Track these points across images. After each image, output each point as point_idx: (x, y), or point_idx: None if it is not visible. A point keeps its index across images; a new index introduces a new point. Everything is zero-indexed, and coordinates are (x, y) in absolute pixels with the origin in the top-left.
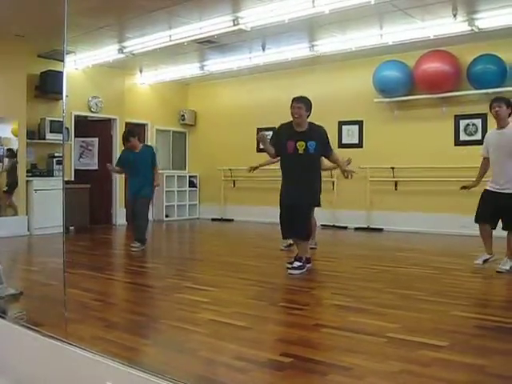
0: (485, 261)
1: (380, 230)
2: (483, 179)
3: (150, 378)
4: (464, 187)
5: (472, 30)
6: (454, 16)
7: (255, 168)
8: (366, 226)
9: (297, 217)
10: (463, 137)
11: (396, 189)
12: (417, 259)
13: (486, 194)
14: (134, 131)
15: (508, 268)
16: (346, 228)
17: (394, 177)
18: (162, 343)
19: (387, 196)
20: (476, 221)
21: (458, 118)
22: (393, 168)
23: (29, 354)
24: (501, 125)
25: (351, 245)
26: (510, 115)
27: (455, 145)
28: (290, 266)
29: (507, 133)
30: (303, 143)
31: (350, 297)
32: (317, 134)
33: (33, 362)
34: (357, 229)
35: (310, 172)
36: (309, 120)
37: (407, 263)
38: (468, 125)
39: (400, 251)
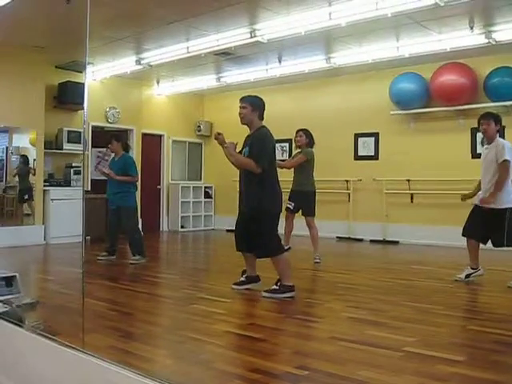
0: (467, 275)
1: (396, 242)
2: None
3: None
4: (466, 196)
5: (489, 42)
6: (471, 28)
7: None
8: (381, 238)
9: (251, 228)
10: (480, 149)
11: (412, 201)
12: (433, 272)
13: (475, 209)
14: (120, 136)
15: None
16: (361, 240)
17: (409, 189)
18: (177, 354)
19: (403, 208)
20: (463, 234)
21: (474, 131)
22: (409, 180)
23: (45, 363)
24: (488, 142)
25: (367, 257)
26: (498, 131)
27: (472, 157)
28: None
29: (491, 149)
30: (244, 150)
31: (365, 310)
32: (253, 137)
33: (49, 370)
34: (372, 241)
35: (250, 179)
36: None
37: (423, 276)
38: (484, 138)
39: (416, 264)
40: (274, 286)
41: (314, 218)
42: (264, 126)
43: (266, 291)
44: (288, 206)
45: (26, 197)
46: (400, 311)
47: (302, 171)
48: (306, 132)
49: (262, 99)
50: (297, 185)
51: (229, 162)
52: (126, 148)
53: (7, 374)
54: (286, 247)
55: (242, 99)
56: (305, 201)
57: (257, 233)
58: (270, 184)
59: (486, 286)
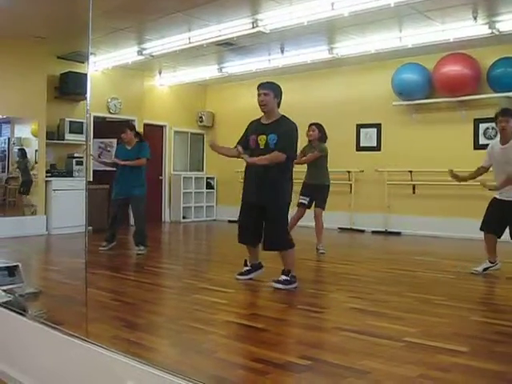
0: (485, 269)
1: (398, 233)
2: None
3: (170, 378)
4: (455, 176)
5: (492, 32)
6: (475, 18)
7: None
8: (383, 229)
9: (265, 219)
10: (483, 140)
11: (414, 192)
12: (435, 263)
13: (494, 203)
14: (133, 125)
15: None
16: (363, 231)
17: (411, 180)
18: (180, 344)
19: (405, 200)
20: (481, 229)
21: (477, 122)
22: (411, 171)
23: (49, 352)
24: (505, 140)
25: (369, 248)
26: None
27: (474, 148)
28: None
29: (509, 149)
30: (264, 137)
31: (368, 300)
32: (282, 127)
33: (53, 359)
34: (374, 232)
35: (271, 169)
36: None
37: (425, 267)
38: (487, 128)
39: (418, 255)
40: (285, 277)
41: (323, 211)
42: (285, 116)
43: (277, 282)
44: (302, 201)
45: (22, 190)
46: (402, 302)
47: (317, 165)
48: (319, 126)
49: (280, 86)
50: (311, 178)
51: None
52: (140, 137)
53: (10, 363)
54: None
55: (263, 86)
56: (319, 194)
57: (271, 224)
58: (290, 175)
59: (489, 278)
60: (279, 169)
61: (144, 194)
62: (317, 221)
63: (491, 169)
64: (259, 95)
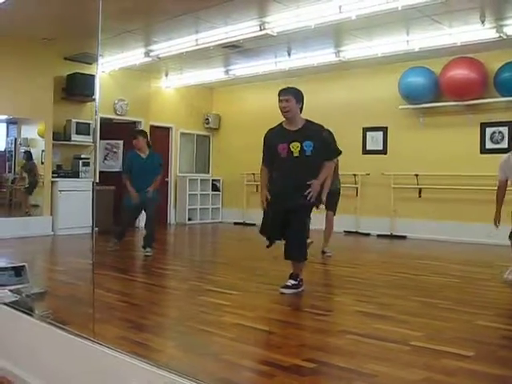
0: None
1: (403, 237)
2: None
3: (176, 379)
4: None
5: (500, 36)
6: (482, 23)
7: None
8: (389, 233)
9: (291, 227)
10: (489, 145)
11: (420, 196)
12: (440, 268)
13: None
14: (145, 132)
15: None
16: (368, 235)
17: (417, 184)
18: (186, 345)
19: (411, 203)
20: (510, 237)
21: (484, 126)
22: (417, 175)
23: (56, 352)
24: None
25: (374, 252)
26: None
27: (481, 153)
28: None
29: None
30: (298, 144)
31: (373, 304)
32: (314, 132)
33: (60, 359)
34: (379, 236)
35: (307, 177)
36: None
37: (431, 271)
38: (494, 132)
39: (423, 259)
40: (293, 281)
41: (334, 214)
42: (311, 121)
43: (285, 288)
44: None
45: (27, 190)
46: (408, 305)
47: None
48: (330, 133)
49: (301, 91)
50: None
51: (237, 155)
52: (149, 145)
53: (17, 362)
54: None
55: (285, 91)
56: (333, 198)
57: (296, 233)
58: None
59: (494, 282)
60: (316, 173)
61: (157, 198)
62: (328, 224)
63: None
64: (281, 101)
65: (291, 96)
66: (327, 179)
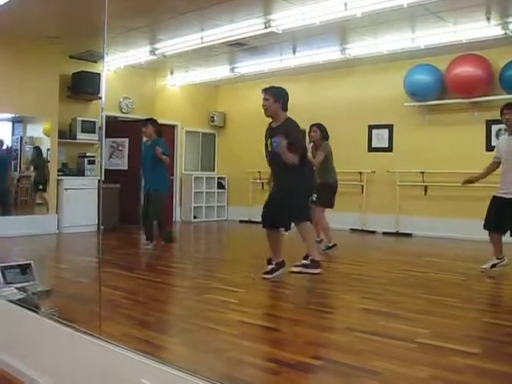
0: (493, 265)
1: (409, 235)
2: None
3: (183, 376)
4: (467, 181)
5: (505, 33)
6: (488, 20)
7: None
8: (394, 230)
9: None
10: (495, 142)
11: (425, 194)
12: (446, 265)
13: (496, 201)
14: (155, 121)
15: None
16: (374, 232)
17: (423, 181)
18: (191, 343)
19: (416, 201)
20: (485, 228)
21: (489, 123)
22: (422, 173)
23: (62, 349)
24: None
25: (380, 249)
26: None
27: (486, 150)
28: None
29: None
30: (270, 140)
31: (379, 301)
32: (284, 129)
33: (66, 356)
34: (385, 233)
35: (281, 169)
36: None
37: (436, 269)
38: (500, 130)
39: (429, 256)
40: (304, 261)
41: (324, 208)
42: (290, 118)
43: (295, 266)
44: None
45: (41, 187)
46: (414, 303)
47: (322, 164)
48: (320, 126)
49: (284, 90)
50: (318, 177)
51: (242, 153)
52: (160, 133)
53: (23, 359)
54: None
55: (265, 91)
56: (322, 192)
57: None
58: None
59: (501, 279)
60: (291, 170)
61: (161, 190)
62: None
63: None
64: (263, 100)
65: (269, 95)
66: (286, 158)
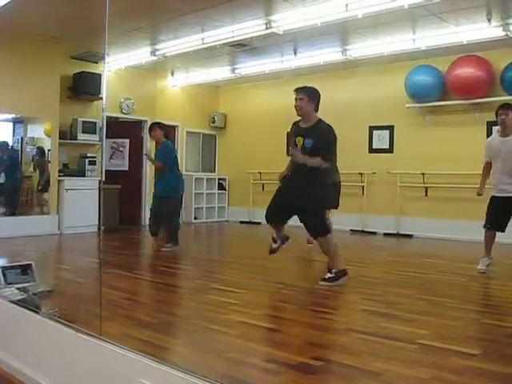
0: (487, 265)
1: (410, 236)
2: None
3: (183, 376)
4: (478, 195)
5: (506, 35)
6: (489, 21)
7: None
8: (395, 231)
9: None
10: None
11: (426, 195)
12: (447, 266)
13: (496, 201)
14: (162, 124)
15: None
16: (375, 233)
17: (424, 183)
18: (191, 343)
19: (417, 202)
20: (487, 227)
21: (490, 125)
22: (423, 174)
23: (62, 349)
24: (506, 133)
25: (380, 250)
26: None
27: None
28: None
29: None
30: (301, 139)
31: (379, 302)
32: (318, 132)
33: (66, 356)
34: (386, 234)
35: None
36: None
37: (437, 270)
38: (502, 128)
39: (430, 258)
40: (329, 275)
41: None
42: (321, 119)
43: (323, 280)
44: None
45: (40, 187)
46: (414, 304)
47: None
48: None
49: (317, 90)
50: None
51: (243, 154)
52: (167, 135)
53: (23, 360)
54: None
55: (298, 90)
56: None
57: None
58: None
59: (501, 280)
60: (320, 173)
61: (170, 194)
62: None
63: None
64: (295, 100)
65: (303, 95)
66: (309, 163)
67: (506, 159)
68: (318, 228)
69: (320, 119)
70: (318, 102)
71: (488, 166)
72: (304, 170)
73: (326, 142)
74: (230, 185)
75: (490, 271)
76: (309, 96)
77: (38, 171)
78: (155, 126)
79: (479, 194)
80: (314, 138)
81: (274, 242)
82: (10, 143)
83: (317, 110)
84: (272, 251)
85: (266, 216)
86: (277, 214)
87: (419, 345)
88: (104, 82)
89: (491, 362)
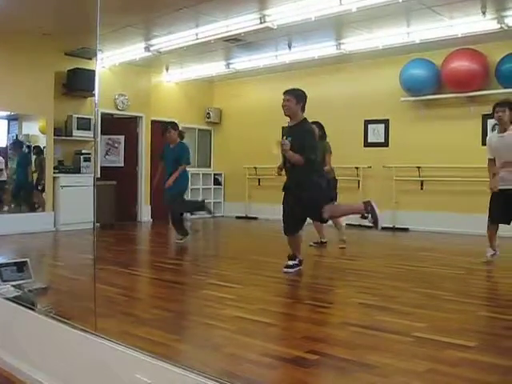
0: (492, 255)
1: (406, 229)
2: None
3: (179, 372)
4: (492, 190)
5: (501, 27)
6: (483, 14)
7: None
8: (391, 225)
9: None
10: None
11: (422, 188)
12: (443, 259)
13: (497, 195)
14: (176, 125)
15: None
16: (370, 227)
17: (419, 176)
18: (188, 339)
19: (413, 195)
20: (492, 221)
21: (485, 118)
22: (419, 167)
23: (58, 346)
24: (503, 129)
25: (377, 244)
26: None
27: (482, 144)
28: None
29: (507, 137)
30: (286, 136)
31: (375, 295)
32: (298, 131)
33: (62, 353)
34: (382, 228)
35: (293, 167)
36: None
37: (433, 263)
38: (496, 124)
39: (426, 251)
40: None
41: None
42: (305, 119)
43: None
44: None
45: (38, 186)
46: (410, 297)
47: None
48: (319, 125)
49: (304, 92)
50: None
51: (239, 149)
52: (182, 136)
53: (19, 356)
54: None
55: (287, 92)
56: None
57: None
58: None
59: (497, 273)
60: (304, 169)
61: (176, 190)
62: None
63: None
64: (283, 100)
65: (291, 96)
66: (290, 157)
67: (504, 155)
68: (321, 217)
69: (305, 119)
70: (305, 103)
71: (492, 163)
72: (292, 170)
73: (304, 141)
74: (226, 180)
75: (488, 263)
76: (296, 98)
77: (37, 169)
78: (169, 127)
79: (493, 189)
80: (293, 135)
81: (290, 258)
82: (5, 141)
83: (303, 110)
84: (288, 267)
85: (284, 231)
86: (293, 223)
87: (415, 338)
88: (97, 78)
89: (488, 354)
